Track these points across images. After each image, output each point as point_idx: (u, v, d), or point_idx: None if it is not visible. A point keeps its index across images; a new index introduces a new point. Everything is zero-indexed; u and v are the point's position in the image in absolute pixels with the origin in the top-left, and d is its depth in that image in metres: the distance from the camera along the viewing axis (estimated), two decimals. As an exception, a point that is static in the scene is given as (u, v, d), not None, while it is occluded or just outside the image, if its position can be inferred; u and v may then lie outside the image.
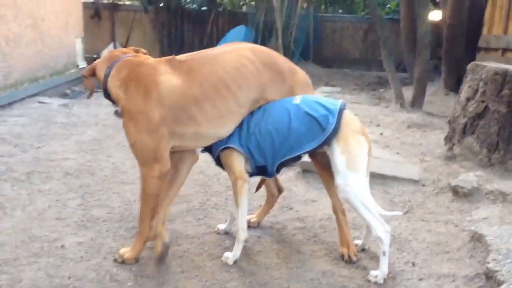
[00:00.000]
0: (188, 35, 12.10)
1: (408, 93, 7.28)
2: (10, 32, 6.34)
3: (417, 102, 6.95)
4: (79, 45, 8.85)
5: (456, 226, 3.13)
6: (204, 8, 12.22)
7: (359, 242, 2.87)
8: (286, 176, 4.04)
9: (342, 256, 2.77)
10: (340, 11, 13.77)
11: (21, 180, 3.78)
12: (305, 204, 3.57)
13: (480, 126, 3.99)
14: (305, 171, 4.03)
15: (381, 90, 9.01)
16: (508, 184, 3.49)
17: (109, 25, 11.52)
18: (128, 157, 4.20)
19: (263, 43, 10.85)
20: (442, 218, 3.28)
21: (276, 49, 10.16)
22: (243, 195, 2.69)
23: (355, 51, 12.29)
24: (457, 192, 3.52)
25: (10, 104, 6.25)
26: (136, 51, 2.79)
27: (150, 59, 2.67)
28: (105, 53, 10.04)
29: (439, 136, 5.09)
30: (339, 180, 2.54)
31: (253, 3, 12.14)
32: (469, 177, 3.60)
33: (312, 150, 2.60)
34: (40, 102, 6.63)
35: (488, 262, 2.39)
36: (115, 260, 2.67)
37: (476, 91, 4.08)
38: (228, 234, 3.04)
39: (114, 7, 11.65)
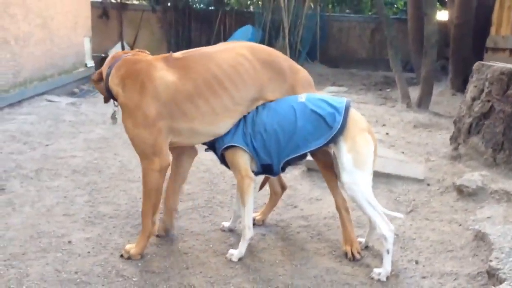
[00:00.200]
0: (195, 35, 12.16)
1: (415, 93, 7.29)
2: (19, 31, 6.40)
3: (423, 102, 6.95)
4: (87, 45, 8.93)
5: (460, 225, 3.14)
6: (211, 8, 12.28)
7: (363, 240, 2.89)
8: (291, 175, 4.07)
9: (346, 254, 2.78)
10: (347, 11, 13.76)
11: (30, 177, 3.84)
12: (310, 202, 3.59)
13: (486, 126, 3.99)
14: (310, 169, 4.05)
15: (388, 90, 9.01)
16: (513, 184, 3.50)
17: (117, 25, 11.59)
18: (134, 155, 4.19)
19: (270, 43, 10.89)
20: (446, 217, 3.29)
21: (282, 48, 10.28)
22: (249, 194, 2.71)
23: (362, 51, 12.30)
24: (461, 191, 3.53)
25: (19, 103, 6.33)
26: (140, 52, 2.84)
27: (147, 57, 2.71)
28: (112, 52, 10.12)
29: (445, 136, 5.10)
30: (345, 178, 2.55)
31: (260, 2, 12.16)
32: (474, 177, 3.60)
33: (319, 148, 2.61)
34: (48, 101, 6.71)
35: (491, 261, 2.40)
36: (121, 256, 2.70)
37: (482, 91, 4.08)
38: (233, 231, 3.07)
39: (122, 7, 11.73)
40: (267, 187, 3.27)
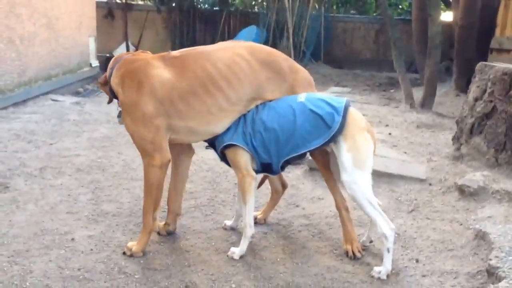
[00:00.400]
0: (200, 35, 12.18)
1: (419, 93, 7.29)
2: (25, 31, 6.45)
3: (427, 103, 6.95)
4: (92, 44, 8.97)
5: (461, 225, 3.15)
6: (216, 8, 12.30)
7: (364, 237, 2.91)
8: (293, 174, 4.08)
9: (347, 253, 2.80)
10: (352, 11, 13.76)
11: (34, 175, 3.87)
12: (312, 201, 3.61)
13: (488, 126, 4.00)
14: (312, 169, 4.06)
15: (392, 90, 9.01)
16: (514, 184, 3.51)
17: (122, 25, 11.62)
18: (138, 154, 4.20)
19: (274, 43, 10.91)
20: (448, 217, 3.30)
21: (286, 49, 10.30)
22: (250, 193, 2.73)
23: (367, 51, 12.28)
24: (463, 191, 3.54)
25: (24, 102, 6.37)
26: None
27: (145, 56, 2.75)
28: (117, 52, 10.17)
29: (447, 137, 5.10)
30: (345, 177, 2.56)
31: (264, 3, 12.18)
32: (475, 177, 3.61)
33: (318, 148, 2.62)
34: (53, 100, 6.75)
35: (490, 259, 2.42)
36: (123, 253, 2.73)
37: (484, 91, 4.09)
38: (235, 230, 3.09)
39: (127, 7, 11.76)
40: (268, 186, 3.29)
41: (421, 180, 3.92)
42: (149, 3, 13.40)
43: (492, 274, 2.34)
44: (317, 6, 11.72)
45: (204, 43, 11.87)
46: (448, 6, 11.37)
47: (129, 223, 3.14)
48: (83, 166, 4.15)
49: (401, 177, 3.95)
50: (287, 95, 2.75)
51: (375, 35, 12.14)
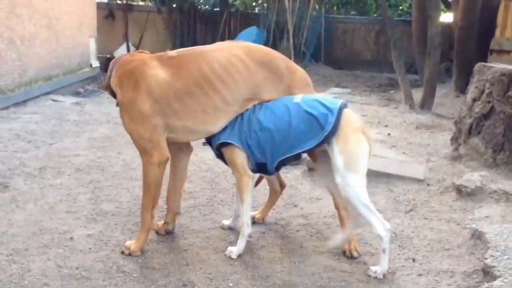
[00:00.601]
0: (201, 36, 12.21)
1: (419, 94, 7.29)
2: (25, 31, 6.47)
3: (426, 104, 6.95)
4: (92, 45, 9.00)
5: (458, 224, 3.16)
6: (216, 9, 12.33)
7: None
8: (292, 174, 4.10)
9: (344, 252, 2.81)
10: (352, 12, 13.77)
11: (34, 175, 3.89)
12: (310, 201, 3.62)
13: (486, 127, 4.01)
14: (311, 169, 4.08)
15: (392, 91, 9.02)
16: (512, 184, 3.52)
17: (122, 25, 11.64)
18: (137, 154, 4.23)
19: (274, 44, 10.93)
20: (445, 217, 3.31)
21: (287, 50, 10.32)
22: (248, 192, 2.75)
23: (367, 52, 12.29)
24: (461, 191, 3.55)
25: (24, 102, 6.39)
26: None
27: (142, 56, 2.77)
28: (118, 53, 10.19)
29: (446, 137, 5.11)
30: (338, 179, 2.55)
31: (265, 4, 12.20)
32: (473, 177, 3.62)
33: (312, 149, 2.63)
34: (53, 100, 6.77)
35: (486, 258, 2.43)
36: (122, 252, 2.75)
37: (483, 91, 4.10)
38: (233, 229, 3.10)
39: (128, 8, 11.78)
40: (267, 186, 3.30)
41: (419, 180, 3.93)
42: (149, 4, 13.42)
43: (487, 273, 2.36)
44: (317, 7, 11.75)
45: (205, 44, 11.87)
46: (448, 7, 11.38)
47: (128, 223, 3.16)
48: (82, 166, 4.17)
49: (400, 177, 3.96)
50: (284, 95, 2.76)
51: (376, 36, 12.15)
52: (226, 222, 3.14)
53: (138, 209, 3.31)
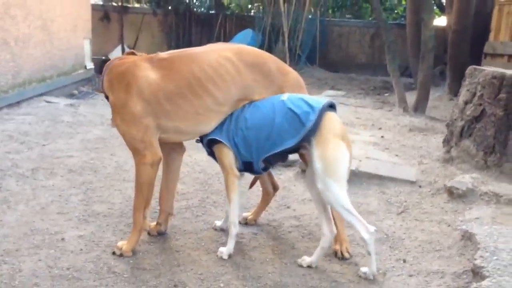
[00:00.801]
0: (196, 38, 12.21)
1: (412, 97, 7.33)
2: (19, 33, 6.46)
3: (420, 107, 6.99)
4: (87, 47, 8.98)
5: (448, 226, 3.18)
6: (212, 12, 12.34)
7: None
8: (285, 176, 4.11)
9: (335, 253, 2.82)
10: (347, 15, 13.80)
11: (26, 176, 3.88)
12: (303, 203, 3.63)
13: (477, 129, 4.03)
14: (304, 171, 4.07)
15: (386, 94, 9.06)
16: (502, 186, 3.55)
17: (117, 27, 11.64)
18: (131, 156, 4.25)
19: (269, 47, 10.95)
20: (436, 218, 3.33)
21: (282, 53, 10.34)
22: (234, 191, 2.75)
23: (362, 55, 12.32)
24: (452, 193, 3.57)
25: (18, 103, 6.37)
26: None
27: (133, 58, 2.79)
28: (113, 55, 10.18)
29: (439, 140, 5.13)
30: (319, 184, 2.53)
31: (260, 7, 12.22)
32: (464, 179, 3.65)
33: (293, 146, 2.60)
34: (47, 102, 6.76)
35: (476, 259, 2.45)
36: (113, 253, 2.74)
37: (474, 94, 4.13)
38: (225, 231, 3.10)
39: (123, 10, 11.78)
40: (260, 187, 3.31)
41: (411, 182, 3.95)
42: (145, 6, 13.42)
43: (477, 273, 2.37)
44: (312, 10, 11.78)
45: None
46: (442, 10, 11.44)
47: (120, 224, 3.15)
48: (75, 167, 4.16)
49: (392, 179, 3.98)
50: None
51: (371, 39, 12.18)
52: (218, 223, 3.15)
53: (130, 210, 3.31)
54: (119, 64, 2.75)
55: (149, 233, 3.01)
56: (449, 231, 3.11)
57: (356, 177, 3.94)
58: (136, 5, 13.68)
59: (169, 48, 11.87)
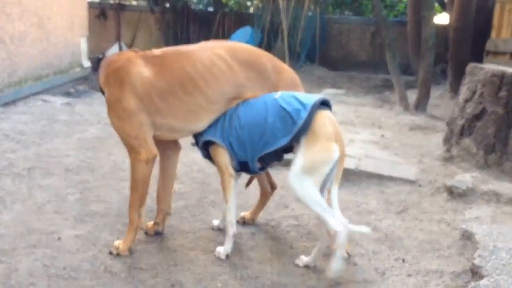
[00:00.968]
0: (194, 36, 12.14)
1: (414, 96, 7.29)
2: (15, 31, 6.41)
3: (420, 105, 6.95)
4: (83, 45, 8.92)
5: (448, 225, 3.16)
6: (210, 9, 12.29)
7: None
8: (283, 175, 4.06)
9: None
10: (347, 12, 13.74)
11: (22, 175, 3.85)
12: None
13: (478, 128, 4.01)
14: (302, 170, 4.05)
15: (387, 92, 9.01)
16: (503, 185, 3.53)
17: (114, 25, 11.59)
18: (128, 155, 4.26)
19: (269, 44, 10.90)
20: (436, 217, 3.31)
21: (281, 50, 10.28)
22: (230, 190, 2.73)
23: (362, 53, 12.24)
24: (452, 192, 3.55)
25: (14, 102, 6.32)
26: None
27: (128, 54, 2.77)
28: (110, 53, 10.14)
29: (439, 139, 5.09)
30: (290, 177, 2.49)
31: (259, 4, 12.18)
32: (465, 178, 3.63)
33: (287, 145, 2.55)
34: (43, 100, 6.71)
35: (474, 258, 2.43)
36: (110, 252, 2.72)
37: (474, 92, 4.10)
38: (222, 230, 3.08)
39: (120, 7, 11.73)
40: (258, 187, 3.28)
41: (411, 181, 3.93)
42: (142, 3, 13.36)
43: (475, 273, 2.36)
44: (312, 7, 11.72)
45: (198, 44, 11.84)
46: (443, 8, 11.39)
47: (117, 223, 3.12)
48: (72, 166, 4.13)
49: (391, 178, 3.96)
50: None
51: (371, 36, 12.10)
52: (216, 222, 3.12)
53: (127, 209, 3.28)
54: (115, 60, 2.74)
55: (146, 233, 2.98)
56: (448, 230, 3.09)
57: (356, 176, 3.92)
58: (133, 2, 13.61)
59: (167, 46, 11.78)
